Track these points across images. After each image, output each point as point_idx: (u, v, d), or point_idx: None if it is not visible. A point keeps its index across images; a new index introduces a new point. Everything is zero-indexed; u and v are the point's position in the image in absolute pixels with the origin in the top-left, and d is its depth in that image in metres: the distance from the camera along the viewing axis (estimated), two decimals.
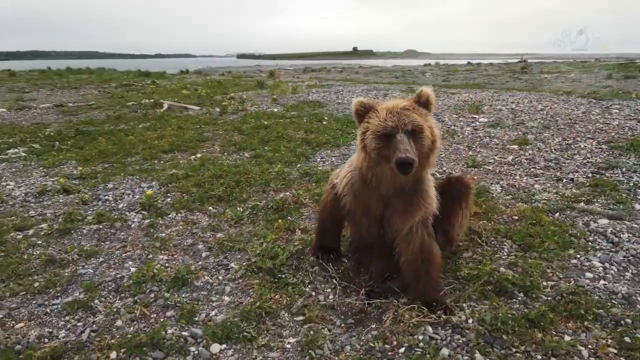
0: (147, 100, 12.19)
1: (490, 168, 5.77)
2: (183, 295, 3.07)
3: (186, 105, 11.49)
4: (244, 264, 3.42)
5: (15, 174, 6.04)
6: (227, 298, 3.06)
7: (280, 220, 4.08)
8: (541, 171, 5.57)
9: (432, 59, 62.75)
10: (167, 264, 3.48)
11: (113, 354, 2.48)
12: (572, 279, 3.13)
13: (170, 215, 4.46)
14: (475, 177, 5.35)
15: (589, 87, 14.49)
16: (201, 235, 4.01)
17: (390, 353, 2.49)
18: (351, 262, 3.44)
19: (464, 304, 2.87)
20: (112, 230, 4.18)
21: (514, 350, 2.45)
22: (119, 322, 2.79)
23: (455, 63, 41.06)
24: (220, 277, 3.32)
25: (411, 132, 2.61)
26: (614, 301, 2.85)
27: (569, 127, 7.98)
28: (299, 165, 6.05)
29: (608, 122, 8.16)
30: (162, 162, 6.42)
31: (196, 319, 2.82)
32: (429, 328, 2.64)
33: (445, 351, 2.46)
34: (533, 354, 2.42)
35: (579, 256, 3.44)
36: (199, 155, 6.71)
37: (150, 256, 3.63)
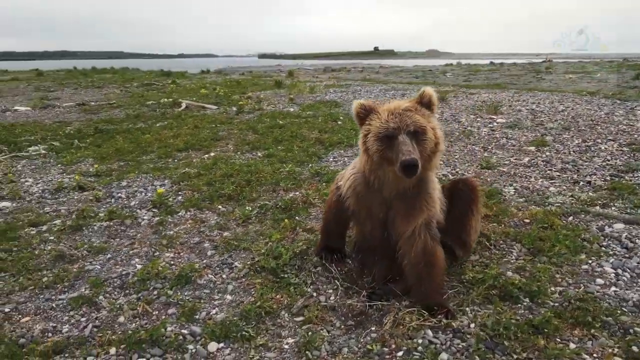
0: (166, 100, 12.36)
1: (504, 170, 5.66)
2: (186, 293, 3.09)
3: (204, 104, 11.61)
4: (248, 263, 3.43)
5: (34, 170, 6.19)
6: (229, 297, 3.06)
7: (286, 220, 4.08)
8: (557, 174, 5.43)
9: (454, 58, 62.01)
10: (172, 262, 3.51)
11: (112, 350, 2.51)
12: (581, 285, 3.04)
13: (180, 214, 4.50)
14: (480, 179, 5.25)
15: (615, 88, 14.09)
16: (208, 233, 4.03)
17: (388, 356, 2.45)
18: (355, 263, 3.41)
19: (467, 308, 2.82)
20: (122, 227, 4.25)
21: (515, 357, 2.38)
22: (121, 319, 2.82)
23: (478, 63, 40.44)
24: (224, 276, 3.33)
25: (413, 133, 2.57)
26: (624, 309, 2.75)
27: (590, 128, 7.77)
28: (310, 165, 6.04)
29: (632, 123, 7.93)
30: (176, 160, 6.50)
31: (197, 317, 2.84)
32: (429, 332, 2.60)
33: (444, 356, 2.41)
34: None
35: (590, 261, 3.34)
36: (212, 154, 6.77)
37: (157, 254, 3.67)
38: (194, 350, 2.52)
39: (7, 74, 29.39)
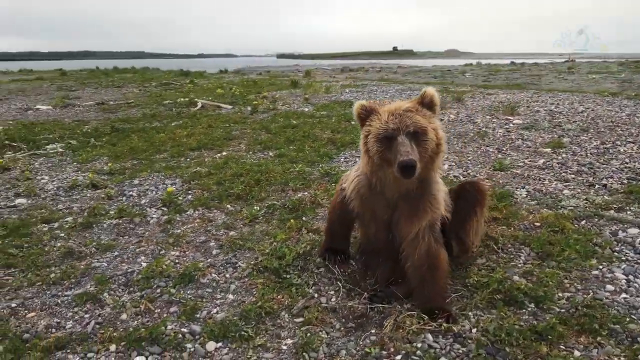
0: (182, 99, 12.49)
1: (518, 172, 5.55)
2: (188, 292, 3.11)
3: (219, 104, 11.70)
4: (252, 263, 3.43)
5: (50, 168, 6.32)
6: (231, 296, 3.07)
7: (292, 220, 4.08)
8: (572, 176, 5.31)
9: (474, 58, 61.22)
10: (177, 260, 3.54)
11: (112, 347, 2.54)
12: (590, 291, 2.96)
13: (188, 212, 4.54)
14: (492, 181, 5.17)
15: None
16: (214, 232, 4.05)
17: None
18: (358, 265, 3.39)
19: (470, 313, 2.77)
20: (131, 225, 4.30)
21: None
22: (123, 316, 2.85)
23: (498, 63, 39.83)
24: (228, 275, 3.34)
25: (413, 134, 2.54)
26: (633, 316, 2.67)
27: (609, 130, 7.58)
28: (321, 165, 6.02)
29: None
30: (188, 159, 6.56)
31: (198, 316, 2.85)
32: (429, 336, 2.56)
33: None
34: None
35: (601, 267, 3.25)
36: (224, 153, 6.81)
37: (163, 252, 3.70)
38: (192, 349, 2.53)
39: (32, 74, 30.12)
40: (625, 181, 5.00)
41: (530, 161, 6.01)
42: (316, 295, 3.04)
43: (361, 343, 2.57)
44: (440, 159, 2.75)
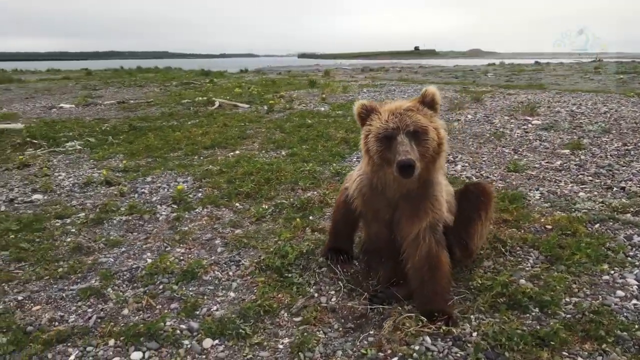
0: (200, 98, 12.61)
1: (533, 173, 5.42)
2: (190, 289, 3.13)
3: (236, 103, 11.77)
4: (255, 261, 3.43)
5: (68, 165, 6.46)
6: (232, 294, 3.08)
7: (298, 219, 4.07)
8: (590, 178, 5.16)
9: (498, 58, 60.20)
10: (181, 257, 3.57)
11: (111, 342, 2.57)
12: (599, 297, 2.87)
13: (197, 210, 4.57)
14: (505, 182, 5.07)
15: None
16: (221, 230, 4.07)
17: None
18: (361, 265, 3.36)
19: (472, 316, 2.71)
20: (141, 222, 4.35)
21: None
22: (125, 311, 2.89)
23: (522, 63, 39.10)
24: (231, 273, 3.35)
25: (413, 133, 2.50)
26: None
27: (632, 131, 7.35)
28: (333, 164, 5.99)
29: None
30: (201, 158, 6.61)
31: (197, 312, 2.86)
32: (427, 339, 2.51)
33: None
34: None
35: (612, 272, 3.15)
36: (237, 152, 6.84)
37: (168, 249, 3.73)
38: (189, 346, 2.54)
39: (59, 73, 30.90)
40: None
41: (547, 162, 5.87)
42: (316, 294, 3.02)
43: (358, 344, 2.54)
44: (442, 159, 2.70)
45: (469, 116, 9.19)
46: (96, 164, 6.43)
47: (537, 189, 4.82)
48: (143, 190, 5.24)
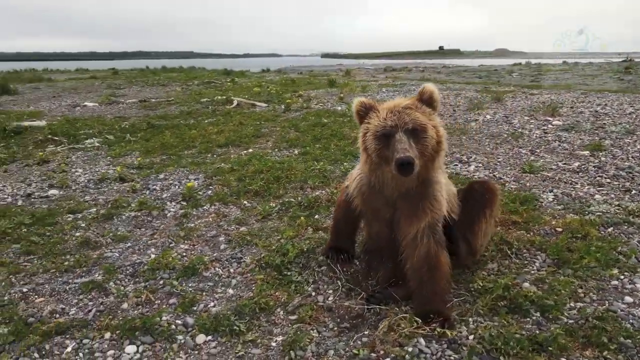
0: (219, 97, 12.73)
1: (549, 175, 5.28)
2: (190, 285, 3.15)
3: (254, 102, 11.84)
4: (256, 259, 3.44)
5: (85, 161, 6.60)
6: (231, 291, 3.08)
7: (302, 218, 4.05)
8: (608, 180, 4.99)
9: (525, 58, 58.96)
10: (184, 254, 3.60)
11: (107, 335, 2.61)
12: (606, 302, 2.76)
13: (205, 207, 4.60)
14: (519, 183, 4.95)
15: None
16: (226, 227, 4.09)
17: None
18: (362, 265, 3.32)
19: (470, 319, 2.65)
20: (149, 218, 4.41)
21: None
22: (124, 305, 2.92)
23: (549, 62, 38.22)
24: (232, 270, 3.36)
25: (412, 131, 2.46)
26: None
27: None
28: (344, 163, 5.96)
29: None
30: (214, 156, 6.67)
31: (195, 308, 2.88)
32: (422, 340, 2.47)
33: None
34: None
35: (622, 277, 3.03)
36: (250, 150, 6.88)
37: (172, 245, 3.77)
38: (182, 341, 2.56)
39: (87, 73, 31.71)
40: None
41: (564, 164, 5.70)
42: (314, 293, 3.00)
43: (352, 344, 2.52)
44: (442, 158, 2.65)
45: (488, 116, 9.01)
46: (112, 161, 6.56)
47: (551, 191, 4.69)
48: (155, 187, 5.32)
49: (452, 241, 2.86)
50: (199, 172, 5.80)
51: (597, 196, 4.52)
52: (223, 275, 3.28)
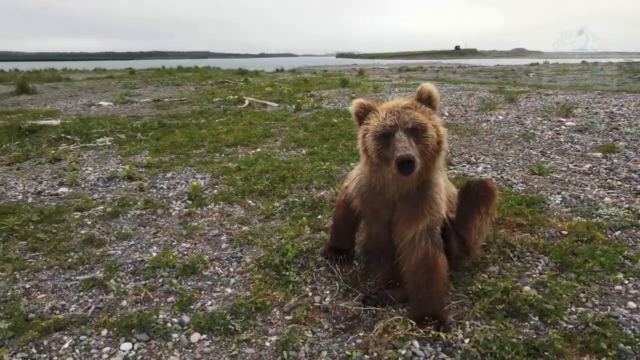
0: (231, 97, 12.81)
1: (558, 176, 5.18)
2: (189, 283, 3.17)
3: (266, 102, 11.88)
4: (256, 258, 3.44)
5: (96, 160, 6.69)
6: (229, 290, 3.09)
7: (304, 218, 4.05)
8: (619, 183, 4.88)
9: (543, 58, 58.09)
10: (185, 252, 3.62)
11: (104, 332, 2.63)
12: (608, 307, 2.70)
13: (209, 206, 4.63)
14: (527, 185, 4.87)
15: None
16: (228, 227, 4.10)
17: None
18: (361, 266, 3.30)
19: (467, 322, 2.61)
20: (154, 216, 4.45)
21: None
22: (124, 302, 2.95)
23: (568, 62, 37.58)
24: (231, 269, 3.37)
25: (412, 130, 2.44)
26: None
27: None
28: (351, 163, 5.94)
29: None
30: (223, 155, 6.70)
31: (192, 307, 2.89)
32: (416, 343, 2.44)
33: None
34: None
35: (627, 282, 2.96)
36: (258, 150, 6.90)
37: (175, 243, 3.80)
38: (177, 339, 2.57)
39: (104, 73, 32.24)
40: None
41: (575, 165, 5.60)
42: (310, 293, 3.00)
43: (346, 345, 2.50)
44: (442, 158, 2.63)
45: (500, 117, 8.90)
46: (122, 160, 6.63)
47: (559, 193, 4.60)
48: (162, 185, 5.36)
49: (446, 240, 2.82)
50: (206, 172, 5.83)
51: (606, 199, 4.42)
52: (222, 275, 3.29)
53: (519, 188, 4.84)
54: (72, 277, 3.29)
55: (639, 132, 7.13)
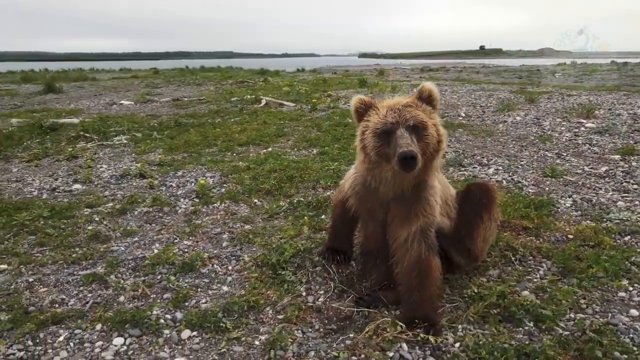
0: (249, 96, 12.90)
1: (572, 179, 5.04)
2: (186, 281, 3.20)
3: (282, 101, 11.92)
4: (254, 257, 3.46)
5: (111, 158, 6.83)
6: (225, 288, 3.11)
7: (306, 218, 4.04)
8: (635, 187, 4.72)
9: (571, 57, 56.66)
10: (186, 250, 3.66)
11: (98, 326, 2.68)
12: (609, 314, 2.61)
13: (215, 205, 4.67)
14: (539, 187, 4.76)
15: None
16: (231, 225, 4.13)
17: None
18: (358, 267, 3.28)
19: (460, 326, 2.56)
20: (160, 213, 4.51)
21: None
22: (121, 298, 3.00)
23: (596, 62, 36.59)
24: (230, 268, 3.39)
25: (413, 128, 2.41)
26: None
27: None
28: None
29: None
30: (234, 154, 6.75)
31: (187, 304, 2.92)
32: (405, 346, 2.41)
33: None
34: None
35: (631, 289, 2.86)
36: (269, 149, 6.92)
37: (177, 240, 3.84)
38: (168, 335, 2.60)
39: (129, 72, 32.92)
40: None
41: (590, 168, 5.44)
42: (304, 293, 2.99)
43: (335, 346, 2.49)
44: (440, 158, 2.59)
45: (518, 118, 8.72)
46: (136, 158, 6.75)
47: (570, 196, 4.48)
48: (171, 184, 5.43)
49: (444, 248, 2.77)
50: (216, 170, 5.89)
51: (619, 203, 4.28)
52: (220, 272, 3.31)
53: (529, 190, 4.73)
54: (75, 272, 3.36)
55: None
